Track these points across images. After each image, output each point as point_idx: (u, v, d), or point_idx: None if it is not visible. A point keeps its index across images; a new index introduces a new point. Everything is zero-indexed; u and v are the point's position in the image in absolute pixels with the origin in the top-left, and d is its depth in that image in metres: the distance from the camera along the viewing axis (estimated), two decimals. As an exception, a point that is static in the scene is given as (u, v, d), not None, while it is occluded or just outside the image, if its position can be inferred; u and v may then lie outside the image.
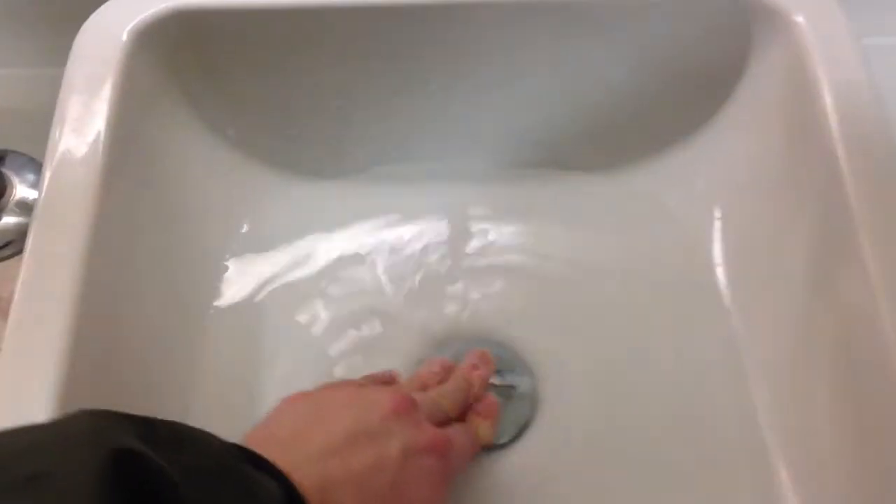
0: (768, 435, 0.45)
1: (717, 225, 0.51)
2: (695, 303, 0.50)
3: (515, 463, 0.45)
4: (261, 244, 0.52)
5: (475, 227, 0.53)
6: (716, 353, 0.48)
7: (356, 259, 0.52)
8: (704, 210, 0.52)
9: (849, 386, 0.41)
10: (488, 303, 0.50)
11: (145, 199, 0.46)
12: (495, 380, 0.46)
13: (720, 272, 0.50)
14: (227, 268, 0.51)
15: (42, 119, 0.44)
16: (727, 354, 0.48)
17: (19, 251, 0.49)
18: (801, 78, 0.44)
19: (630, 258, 0.51)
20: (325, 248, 0.52)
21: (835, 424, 0.41)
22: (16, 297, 0.39)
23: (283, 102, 0.52)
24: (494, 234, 0.53)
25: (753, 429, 0.46)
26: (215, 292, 0.50)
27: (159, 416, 0.30)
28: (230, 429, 0.34)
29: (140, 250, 0.45)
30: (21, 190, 0.50)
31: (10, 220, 0.49)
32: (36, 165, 0.51)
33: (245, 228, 0.53)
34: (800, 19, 0.45)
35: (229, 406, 0.47)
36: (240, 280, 0.51)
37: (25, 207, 0.50)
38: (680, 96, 0.51)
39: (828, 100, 0.43)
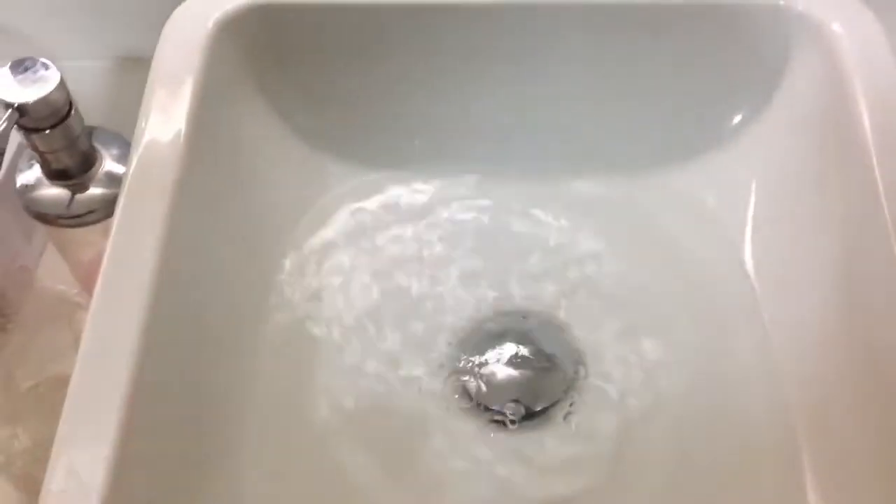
0: (797, 428, 0.47)
1: (752, 224, 0.54)
2: (728, 297, 0.52)
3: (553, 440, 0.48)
4: (324, 230, 0.56)
5: (527, 221, 0.56)
6: (746, 344, 0.51)
7: (412, 245, 0.56)
8: (740, 209, 0.54)
9: (875, 385, 0.43)
10: (533, 289, 0.53)
11: (221, 179, 0.50)
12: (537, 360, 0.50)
13: (753, 268, 0.53)
14: (290, 249, 0.55)
15: (129, 106, 0.48)
16: (758, 348, 0.50)
17: (100, 219, 0.54)
18: (838, 84, 0.47)
19: (667, 254, 0.54)
20: (385, 235, 0.56)
21: (859, 420, 0.44)
22: (105, 260, 0.44)
23: (351, 95, 0.56)
24: (544, 229, 0.56)
25: (782, 422, 0.48)
26: (279, 270, 0.54)
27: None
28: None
29: (213, 225, 0.49)
30: (108, 164, 0.55)
31: (96, 190, 0.54)
32: (122, 141, 0.55)
33: (310, 213, 0.57)
34: (837, 28, 0.48)
35: (287, 374, 0.51)
36: (301, 262, 0.55)
37: (111, 180, 0.54)
38: (720, 100, 0.54)
39: (863, 106, 0.46)
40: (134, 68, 0.49)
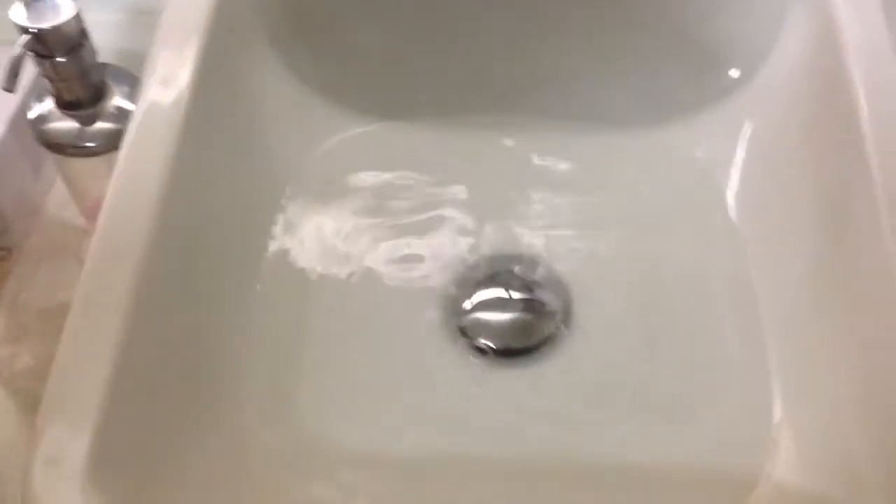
0: (769, 348, 0.50)
1: (742, 170, 0.56)
2: (713, 234, 0.55)
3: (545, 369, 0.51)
4: (326, 175, 0.58)
5: (526, 168, 0.59)
6: (728, 275, 0.53)
7: (411, 191, 0.58)
8: (730, 161, 0.56)
9: (852, 313, 0.45)
10: (532, 228, 0.56)
11: (226, 122, 0.52)
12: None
13: (738, 208, 0.55)
14: (292, 193, 0.57)
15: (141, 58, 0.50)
16: (738, 280, 0.53)
17: (109, 151, 0.55)
18: (830, 42, 0.48)
19: (657, 197, 0.57)
20: (385, 180, 0.58)
21: (834, 345, 0.46)
22: (109, 192, 0.45)
23: (360, 47, 0.57)
24: (543, 175, 0.58)
25: (756, 338, 0.51)
26: (281, 211, 0.56)
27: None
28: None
29: (217, 165, 0.51)
30: (118, 99, 0.56)
31: (106, 124, 0.55)
32: (133, 79, 0.56)
33: (314, 158, 0.58)
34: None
35: (283, 311, 0.53)
36: (302, 205, 0.57)
37: (121, 115, 0.55)
38: (716, 58, 0.55)
39: (853, 63, 0.47)
40: (148, 23, 0.50)
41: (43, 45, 0.49)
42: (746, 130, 0.56)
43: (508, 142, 0.59)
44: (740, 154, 0.56)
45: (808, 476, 0.45)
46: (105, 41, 0.55)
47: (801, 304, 0.49)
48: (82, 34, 0.50)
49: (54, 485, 0.36)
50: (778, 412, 0.48)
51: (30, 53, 0.49)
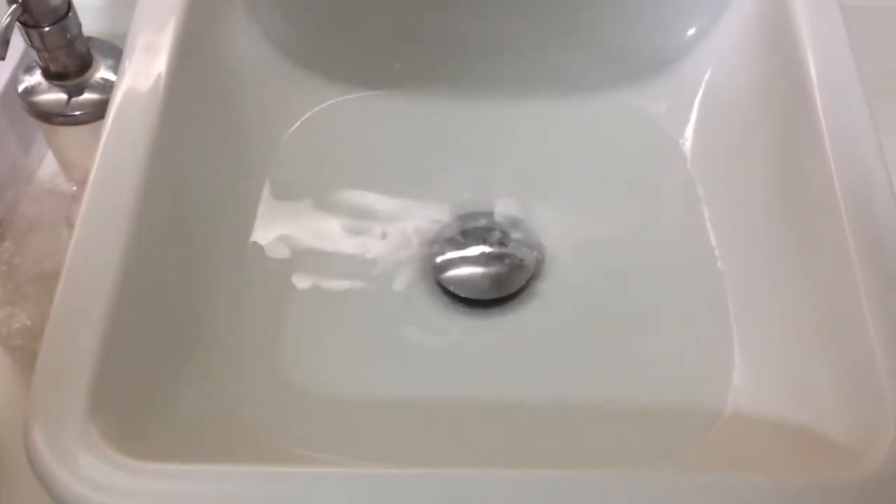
0: (729, 293, 0.53)
1: (697, 128, 0.59)
2: (672, 187, 0.58)
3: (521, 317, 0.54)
4: (308, 144, 0.60)
5: (497, 132, 0.61)
6: (687, 225, 0.56)
7: (389, 157, 0.60)
8: (687, 118, 0.59)
9: (805, 255, 0.48)
10: (503, 189, 0.59)
11: (207, 90, 0.54)
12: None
13: (696, 162, 0.58)
14: (275, 163, 0.59)
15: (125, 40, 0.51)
16: (697, 229, 0.56)
17: (96, 119, 0.56)
18: (780, 3, 0.51)
19: (619, 155, 0.60)
20: (365, 148, 0.60)
21: (790, 286, 0.49)
22: (96, 159, 0.46)
23: (331, 13, 0.59)
24: (509, 140, 0.61)
25: (715, 279, 0.53)
26: (264, 180, 0.58)
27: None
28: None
29: (199, 134, 0.53)
30: (103, 71, 0.58)
31: (92, 95, 0.57)
32: (118, 51, 0.58)
33: (294, 128, 0.60)
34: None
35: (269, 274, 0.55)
36: (284, 172, 0.59)
37: (106, 86, 0.57)
38: (672, 21, 0.58)
39: (802, 21, 0.50)
40: (130, 4, 0.52)
41: (30, 14, 0.51)
42: (702, 87, 0.59)
43: (478, 108, 0.61)
44: (697, 109, 0.59)
45: (769, 406, 0.47)
46: (89, 24, 0.56)
47: (758, 248, 0.52)
48: (67, 4, 0.52)
49: (55, 438, 0.38)
50: (737, 352, 0.50)
51: (18, 23, 0.51)
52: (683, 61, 0.59)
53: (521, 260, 0.55)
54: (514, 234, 0.56)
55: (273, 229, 0.56)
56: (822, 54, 0.48)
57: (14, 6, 0.49)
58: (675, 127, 0.59)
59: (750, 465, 0.45)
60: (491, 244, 0.56)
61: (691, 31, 0.59)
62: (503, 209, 0.58)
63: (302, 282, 0.55)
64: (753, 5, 0.55)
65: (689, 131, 0.59)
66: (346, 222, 0.57)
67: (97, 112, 0.56)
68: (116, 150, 0.47)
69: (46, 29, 0.52)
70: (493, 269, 0.55)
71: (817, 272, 0.46)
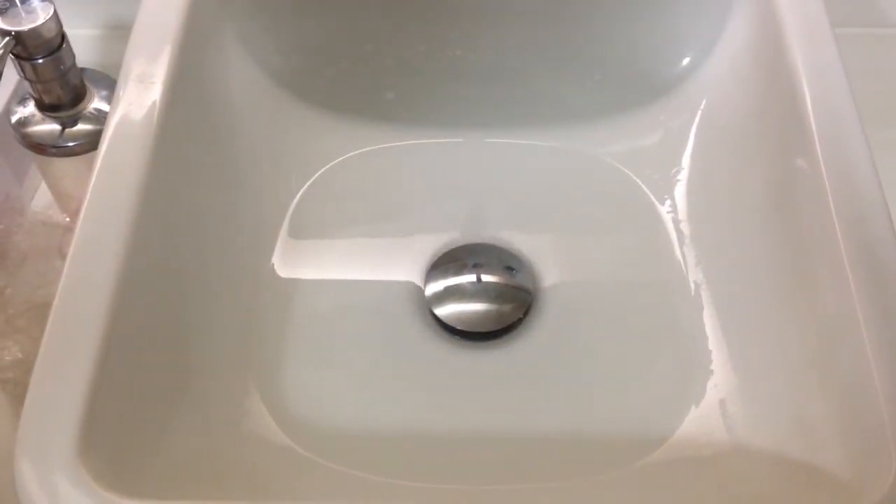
0: (723, 319, 0.53)
1: (693, 157, 0.59)
2: (666, 217, 0.58)
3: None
4: (301, 169, 0.60)
5: (487, 157, 0.61)
6: (678, 248, 0.56)
7: (385, 188, 0.60)
8: (682, 147, 0.59)
9: (803, 290, 0.47)
10: (496, 222, 0.58)
11: (200, 121, 0.53)
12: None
13: (690, 191, 0.58)
14: (269, 187, 0.58)
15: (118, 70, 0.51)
16: (690, 253, 0.56)
17: (90, 150, 0.57)
18: (773, 30, 0.51)
19: (612, 186, 0.60)
20: (359, 178, 0.60)
21: (788, 323, 0.48)
22: (89, 190, 0.46)
23: (324, 45, 0.59)
24: (503, 165, 0.61)
25: (711, 312, 0.53)
26: (257, 211, 0.57)
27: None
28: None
29: (193, 161, 0.52)
30: (97, 102, 0.58)
31: (86, 126, 0.57)
32: (111, 82, 0.58)
33: (289, 158, 0.60)
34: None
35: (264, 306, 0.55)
36: (278, 201, 0.59)
37: (100, 116, 0.57)
38: (666, 51, 0.58)
39: (797, 52, 0.50)
40: (123, 37, 0.52)
41: (23, 46, 0.50)
42: (697, 116, 0.58)
43: (471, 138, 0.62)
44: (693, 139, 0.59)
45: (768, 440, 0.47)
46: (83, 55, 0.57)
47: (755, 280, 0.51)
48: (60, 36, 0.52)
49: (44, 473, 0.38)
50: (736, 387, 0.50)
51: (11, 56, 0.51)
52: (678, 90, 0.59)
53: (517, 293, 0.55)
54: (511, 267, 0.56)
55: (267, 261, 0.56)
56: (817, 83, 0.48)
57: (7, 38, 0.49)
58: (671, 156, 0.59)
59: (750, 501, 0.44)
60: (487, 275, 0.56)
61: (686, 61, 0.59)
62: (498, 241, 0.57)
63: (295, 316, 0.54)
64: (747, 34, 0.55)
65: (685, 160, 0.59)
66: (339, 255, 0.57)
67: (91, 143, 0.56)
68: (109, 181, 0.47)
69: (40, 61, 0.52)
70: (487, 304, 0.55)
71: (816, 303, 0.46)
